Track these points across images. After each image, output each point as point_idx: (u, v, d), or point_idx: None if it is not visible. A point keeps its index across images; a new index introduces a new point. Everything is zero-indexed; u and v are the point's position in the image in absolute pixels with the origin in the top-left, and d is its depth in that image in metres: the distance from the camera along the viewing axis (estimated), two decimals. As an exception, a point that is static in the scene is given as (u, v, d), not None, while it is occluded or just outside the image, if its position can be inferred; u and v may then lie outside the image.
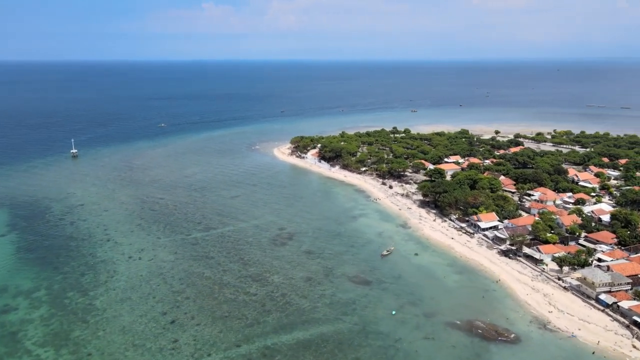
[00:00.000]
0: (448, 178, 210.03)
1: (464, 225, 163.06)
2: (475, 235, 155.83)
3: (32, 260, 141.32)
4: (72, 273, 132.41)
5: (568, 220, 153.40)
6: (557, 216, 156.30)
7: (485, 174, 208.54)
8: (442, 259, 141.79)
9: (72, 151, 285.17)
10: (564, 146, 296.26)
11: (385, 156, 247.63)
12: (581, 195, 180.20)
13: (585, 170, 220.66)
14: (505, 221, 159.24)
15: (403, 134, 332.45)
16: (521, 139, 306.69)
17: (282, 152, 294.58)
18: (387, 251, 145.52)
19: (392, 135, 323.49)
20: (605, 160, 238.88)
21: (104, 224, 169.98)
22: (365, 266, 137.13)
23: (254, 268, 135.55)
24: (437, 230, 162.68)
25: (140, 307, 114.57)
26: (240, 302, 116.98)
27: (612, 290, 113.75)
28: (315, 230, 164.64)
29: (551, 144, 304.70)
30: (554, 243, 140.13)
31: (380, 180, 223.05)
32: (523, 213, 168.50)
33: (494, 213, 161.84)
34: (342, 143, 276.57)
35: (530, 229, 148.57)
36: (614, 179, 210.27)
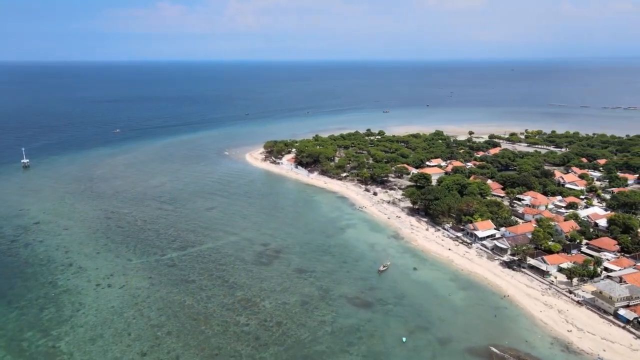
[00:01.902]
0: (433, 183, 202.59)
1: (459, 234, 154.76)
2: (473, 245, 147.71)
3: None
4: (29, 308, 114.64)
5: (566, 226, 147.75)
6: (555, 222, 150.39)
7: (471, 178, 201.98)
8: (443, 273, 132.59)
9: (23, 161, 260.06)
10: (538, 146, 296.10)
11: (365, 160, 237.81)
12: (572, 198, 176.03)
13: (568, 172, 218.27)
14: (502, 229, 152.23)
15: (378, 136, 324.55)
16: (496, 140, 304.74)
17: (255, 158, 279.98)
18: (384, 266, 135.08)
19: (367, 138, 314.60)
20: (584, 160, 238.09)
21: (65, 246, 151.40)
22: (363, 285, 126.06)
23: (241, 292, 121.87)
24: (432, 241, 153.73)
25: (115, 347, 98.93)
26: (231, 335, 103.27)
27: (630, 304, 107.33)
28: (302, 245, 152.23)
29: (526, 144, 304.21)
30: (557, 252, 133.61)
31: (363, 186, 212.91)
32: (518, 220, 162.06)
33: (489, 221, 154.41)
34: (318, 147, 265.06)
35: (530, 237, 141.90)
36: (596, 180, 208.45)
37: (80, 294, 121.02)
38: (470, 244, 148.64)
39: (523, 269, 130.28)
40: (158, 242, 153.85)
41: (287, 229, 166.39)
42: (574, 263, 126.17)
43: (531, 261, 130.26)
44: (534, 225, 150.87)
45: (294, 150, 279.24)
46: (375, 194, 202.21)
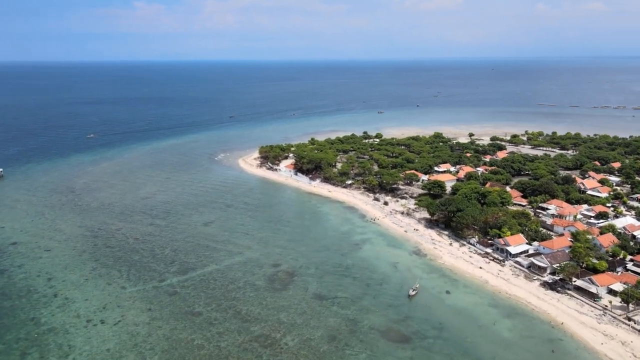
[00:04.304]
0: (447, 191, 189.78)
1: (489, 250, 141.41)
2: (505, 262, 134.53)
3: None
4: (8, 353, 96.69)
5: (605, 240, 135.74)
6: (593, 235, 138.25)
7: (487, 185, 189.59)
8: (479, 297, 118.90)
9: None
10: (543, 148, 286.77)
11: (370, 166, 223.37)
12: (600, 207, 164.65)
13: (585, 177, 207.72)
14: (535, 244, 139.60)
15: (376, 139, 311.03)
16: (498, 142, 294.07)
17: (250, 164, 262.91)
18: (414, 290, 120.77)
19: (366, 141, 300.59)
20: (597, 164, 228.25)
21: (47, 271, 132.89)
22: (394, 314, 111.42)
23: (258, 326, 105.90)
24: (459, 257, 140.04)
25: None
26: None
27: None
28: (317, 265, 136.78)
29: (529, 146, 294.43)
30: (602, 271, 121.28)
31: (371, 195, 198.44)
32: (547, 233, 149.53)
33: (521, 235, 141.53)
34: (317, 152, 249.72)
35: (568, 253, 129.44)
36: (615, 186, 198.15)
37: (69, 333, 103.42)
38: (503, 261, 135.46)
39: (568, 291, 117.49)
40: (154, 265, 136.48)
41: (297, 246, 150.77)
42: (625, 283, 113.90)
43: (578, 282, 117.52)
44: (569, 239, 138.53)
45: (291, 155, 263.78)
46: (386, 203, 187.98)
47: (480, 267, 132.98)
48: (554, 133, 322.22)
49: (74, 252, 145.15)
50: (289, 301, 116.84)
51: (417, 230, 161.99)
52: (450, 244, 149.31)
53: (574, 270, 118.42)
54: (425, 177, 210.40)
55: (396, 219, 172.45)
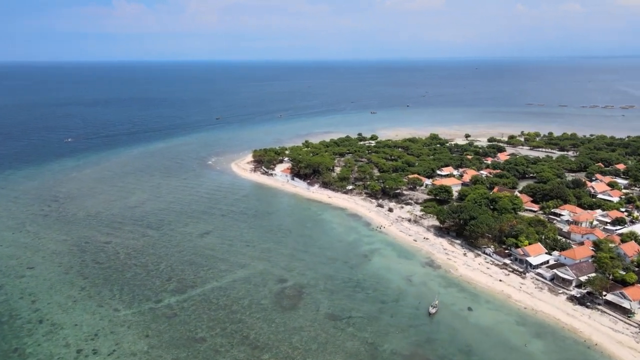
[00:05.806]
0: (454, 196, 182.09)
1: (507, 261, 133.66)
2: (526, 274, 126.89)
3: None
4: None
5: (629, 249, 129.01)
6: (616, 244, 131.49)
7: (495, 190, 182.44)
8: (505, 314, 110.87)
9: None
10: (542, 149, 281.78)
11: (371, 170, 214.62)
12: (615, 212, 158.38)
13: (592, 180, 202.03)
14: (555, 253, 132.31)
15: (372, 141, 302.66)
16: (497, 143, 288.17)
17: (243, 168, 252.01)
18: (434, 307, 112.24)
19: (362, 144, 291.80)
20: (601, 166, 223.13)
21: (31, 291, 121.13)
22: (415, 335, 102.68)
23: (269, 354, 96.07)
24: (475, 269, 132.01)
25: None
26: None
27: None
28: (326, 280, 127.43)
29: (528, 148, 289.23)
30: (632, 284, 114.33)
31: (374, 201, 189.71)
32: (568, 241, 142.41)
33: (539, 244, 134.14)
34: (312, 155, 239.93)
35: (592, 263, 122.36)
36: (624, 189, 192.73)
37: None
38: (523, 272, 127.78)
39: (598, 306, 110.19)
40: (149, 283, 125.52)
41: (302, 258, 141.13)
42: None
43: (608, 296, 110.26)
44: (591, 248, 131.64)
45: (286, 159, 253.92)
46: (390, 210, 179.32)
47: (500, 280, 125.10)
48: (550, 133, 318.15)
49: (60, 270, 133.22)
50: (300, 323, 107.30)
51: (427, 239, 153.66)
52: (465, 254, 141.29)
53: (604, 284, 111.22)
54: (429, 182, 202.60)
55: (404, 227, 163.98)
